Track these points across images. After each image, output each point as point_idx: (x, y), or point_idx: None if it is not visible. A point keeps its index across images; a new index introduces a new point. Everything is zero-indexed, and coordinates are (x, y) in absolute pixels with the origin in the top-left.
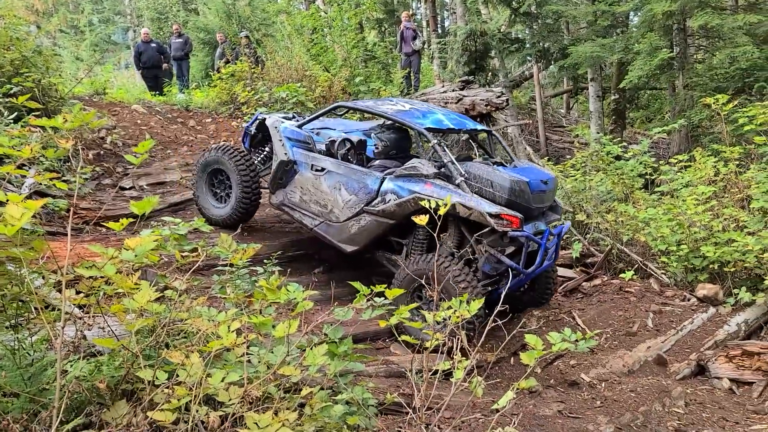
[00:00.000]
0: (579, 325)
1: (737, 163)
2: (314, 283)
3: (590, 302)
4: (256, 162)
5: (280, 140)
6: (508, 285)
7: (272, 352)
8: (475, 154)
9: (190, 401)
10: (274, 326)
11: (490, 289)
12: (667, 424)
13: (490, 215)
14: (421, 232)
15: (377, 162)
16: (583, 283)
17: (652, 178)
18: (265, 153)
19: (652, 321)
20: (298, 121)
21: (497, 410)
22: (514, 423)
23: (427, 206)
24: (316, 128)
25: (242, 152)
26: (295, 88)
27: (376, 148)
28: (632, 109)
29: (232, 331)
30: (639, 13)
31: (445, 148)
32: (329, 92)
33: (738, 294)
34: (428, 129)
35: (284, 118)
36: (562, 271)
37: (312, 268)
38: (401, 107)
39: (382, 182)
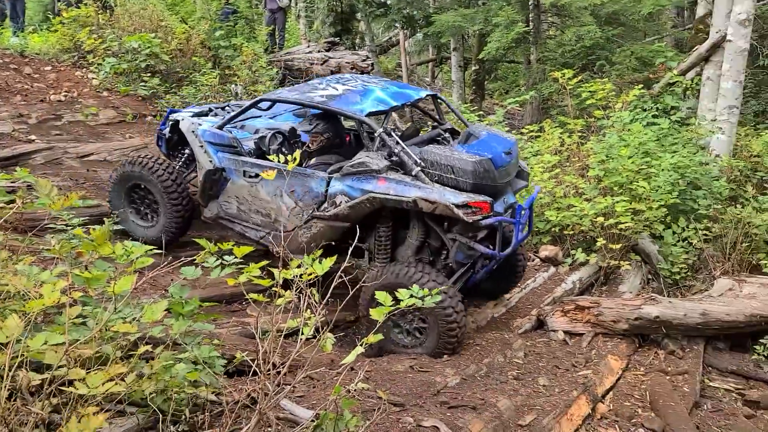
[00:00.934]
0: None
1: (580, 134)
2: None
3: None
4: (178, 168)
5: (201, 146)
6: (484, 270)
7: (106, 309)
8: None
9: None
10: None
11: (465, 278)
12: (507, 373)
13: (457, 206)
14: (382, 232)
15: (313, 160)
16: None
17: None
18: (186, 156)
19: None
20: (215, 115)
21: (351, 368)
22: (360, 376)
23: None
24: (238, 121)
25: (164, 163)
26: (149, 39)
27: (312, 144)
28: (491, 80)
29: (57, 290)
30: None
31: (393, 134)
32: (186, 45)
33: (575, 254)
34: (370, 115)
35: (198, 114)
36: None
37: None
38: (333, 91)
39: (328, 183)
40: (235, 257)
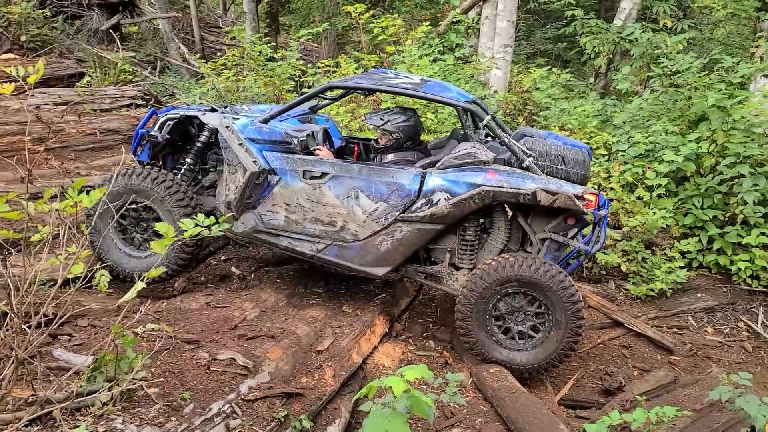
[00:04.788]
0: None
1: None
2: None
3: None
4: (184, 182)
5: (242, 144)
6: (571, 269)
7: None
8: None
9: None
10: None
11: None
12: (308, 302)
13: (577, 197)
14: (469, 231)
15: (391, 156)
16: None
17: (302, 80)
18: (188, 165)
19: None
20: (231, 112)
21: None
22: (140, 314)
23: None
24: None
25: (168, 174)
26: None
27: (382, 140)
28: (285, 13)
29: None
30: None
31: (501, 124)
32: None
33: None
34: (470, 103)
35: (198, 110)
36: None
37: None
38: (408, 81)
39: (423, 179)
40: None
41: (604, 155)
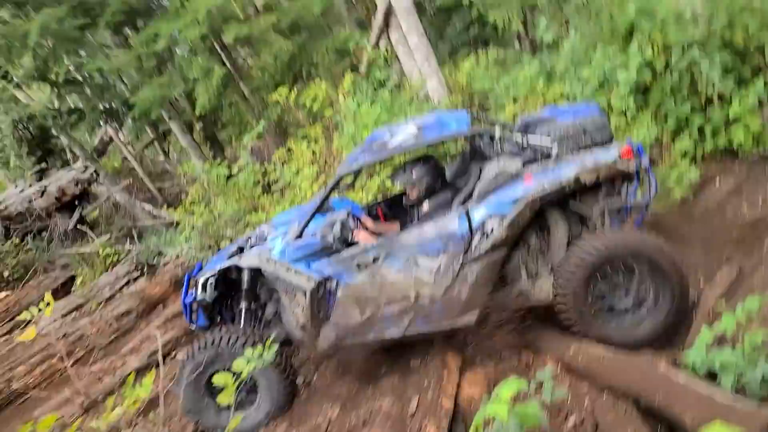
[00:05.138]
0: None
1: (324, 137)
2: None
3: None
4: (248, 328)
5: (289, 270)
6: (639, 222)
7: None
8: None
9: None
10: None
11: None
12: None
13: (617, 160)
14: (531, 239)
15: (426, 206)
16: None
17: (267, 180)
18: (244, 312)
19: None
20: (259, 241)
21: None
22: None
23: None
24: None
25: (232, 328)
26: None
27: (412, 195)
28: (221, 129)
29: None
30: (179, 46)
31: (509, 125)
32: None
33: None
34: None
35: (230, 257)
36: None
37: None
38: (409, 131)
39: (468, 216)
40: None
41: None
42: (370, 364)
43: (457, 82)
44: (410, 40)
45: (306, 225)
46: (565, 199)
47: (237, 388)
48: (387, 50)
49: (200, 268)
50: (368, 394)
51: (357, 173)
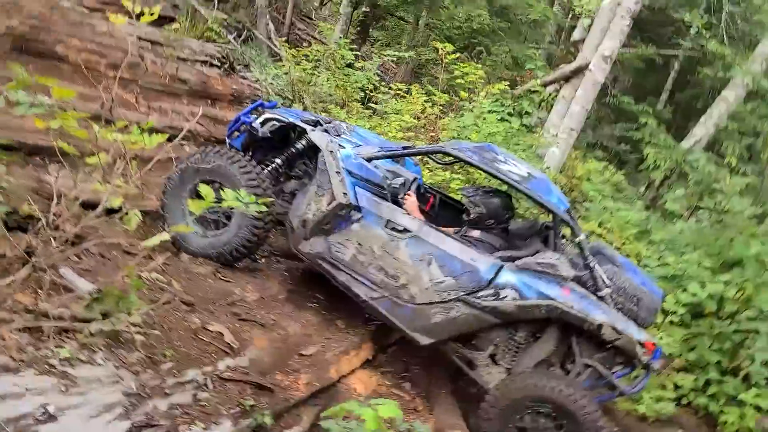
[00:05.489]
0: None
1: (441, 108)
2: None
3: None
4: (266, 178)
5: (338, 173)
6: (603, 400)
7: None
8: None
9: None
10: None
11: None
12: (307, 304)
13: (640, 344)
14: (521, 332)
15: (477, 233)
16: None
17: (371, 95)
18: (276, 165)
19: None
20: (333, 132)
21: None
22: (158, 263)
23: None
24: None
25: (252, 163)
26: None
27: (471, 214)
28: (377, 28)
29: None
30: None
31: (586, 245)
32: None
33: None
34: (567, 212)
35: (307, 122)
36: None
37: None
38: (516, 169)
39: (499, 271)
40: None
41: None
42: (310, 292)
43: (574, 168)
44: (573, 106)
45: (383, 157)
46: (574, 330)
47: (214, 212)
48: (549, 95)
49: (273, 106)
50: (286, 310)
51: (457, 160)
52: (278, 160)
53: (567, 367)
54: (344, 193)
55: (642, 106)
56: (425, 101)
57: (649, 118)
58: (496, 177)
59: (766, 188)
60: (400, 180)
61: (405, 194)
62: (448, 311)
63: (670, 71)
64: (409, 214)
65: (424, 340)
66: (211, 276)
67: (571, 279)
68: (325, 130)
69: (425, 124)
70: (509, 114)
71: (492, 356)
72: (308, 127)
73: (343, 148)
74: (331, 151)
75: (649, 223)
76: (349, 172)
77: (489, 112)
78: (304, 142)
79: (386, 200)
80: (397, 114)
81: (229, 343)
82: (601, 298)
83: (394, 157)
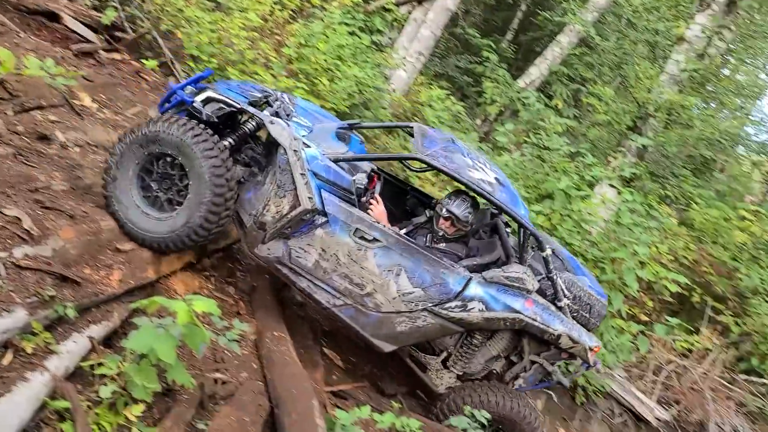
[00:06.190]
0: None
1: (291, 13)
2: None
3: (101, 72)
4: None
5: (303, 175)
6: (538, 387)
7: None
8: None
9: None
10: None
11: None
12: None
13: (590, 349)
14: (477, 337)
15: (443, 245)
16: (102, 52)
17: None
18: (235, 140)
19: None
20: (284, 113)
21: None
22: None
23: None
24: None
25: (215, 138)
26: None
27: (449, 230)
28: None
29: None
30: None
31: (549, 260)
32: None
33: None
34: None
35: (253, 104)
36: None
37: None
38: (485, 176)
39: (467, 284)
40: None
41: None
42: None
43: (418, 94)
44: (423, 30)
45: (351, 160)
46: (527, 333)
47: (165, 184)
48: (402, 16)
49: (209, 75)
50: (101, 202)
51: (431, 168)
52: (226, 143)
53: (511, 358)
54: (309, 198)
55: (487, 42)
56: (275, 2)
57: (491, 53)
58: (471, 189)
59: (581, 131)
60: (362, 178)
61: (369, 199)
62: (414, 320)
63: (517, 11)
64: (377, 221)
65: (388, 348)
66: (12, 159)
67: (535, 290)
68: (276, 113)
69: (272, 27)
70: (360, 29)
71: (443, 361)
72: (266, 119)
73: (308, 147)
74: (296, 151)
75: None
76: (315, 174)
77: (339, 23)
78: (253, 124)
79: (354, 205)
80: (243, 12)
81: (27, 230)
82: (559, 308)
83: (363, 160)
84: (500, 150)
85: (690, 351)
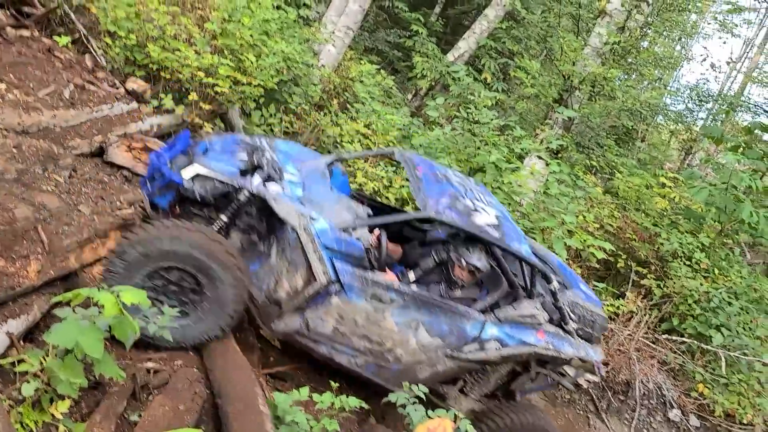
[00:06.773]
0: None
1: None
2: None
3: (9, 50)
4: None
5: (316, 252)
6: (537, 389)
7: None
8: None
9: None
10: None
11: None
12: (42, 186)
13: (599, 363)
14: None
15: (458, 292)
16: (9, 28)
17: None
18: (222, 224)
19: (70, 93)
20: (277, 175)
21: None
22: None
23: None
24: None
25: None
26: None
27: (462, 277)
28: None
29: None
30: None
31: (556, 291)
32: None
33: (163, 99)
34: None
35: (245, 172)
36: None
37: None
38: (488, 218)
39: (483, 327)
40: None
41: (392, 167)
42: (47, 173)
43: (348, 69)
44: (351, 4)
45: (360, 225)
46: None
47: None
48: None
49: (187, 137)
50: (16, 191)
51: (441, 223)
52: (224, 218)
53: (516, 369)
54: (324, 273)
55: (416, 15)
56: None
57: (420, 27)
58: (480, 240)
59: (510, 104)
60: (367, 236)
61: (375, 254)
62: (434, 366)
63: None
64: (392, 283)
65: None
66: None
67: (544, 321)
68: (269, 176)
69: (194, 1)
70: (286, 3)
71: (461, 390)
72: (269, 196)
73: (314, 219)
74: (305, 228)
75: (411, 128)
76: (327, 248)
77: None
78: (246, 195)
79: (368, 269)
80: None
81: None
82: (567, 332)
83: (375, 225)
84: (432, 124)
85: (617, 315)
